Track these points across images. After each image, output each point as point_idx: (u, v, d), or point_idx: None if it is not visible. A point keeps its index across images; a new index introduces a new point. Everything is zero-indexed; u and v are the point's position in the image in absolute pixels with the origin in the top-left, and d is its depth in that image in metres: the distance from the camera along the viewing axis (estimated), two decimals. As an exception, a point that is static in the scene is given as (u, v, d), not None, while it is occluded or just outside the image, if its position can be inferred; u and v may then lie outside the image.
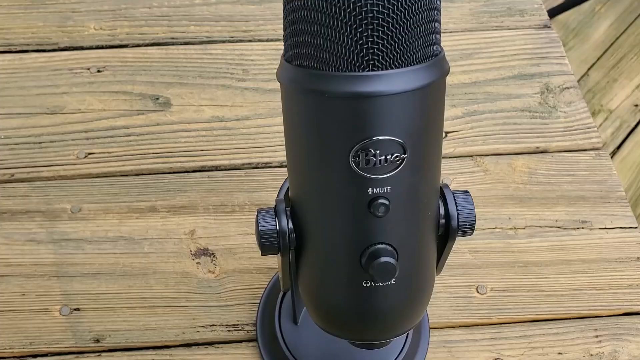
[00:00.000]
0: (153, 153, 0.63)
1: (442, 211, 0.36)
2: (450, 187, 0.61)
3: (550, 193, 0.62)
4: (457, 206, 0.36)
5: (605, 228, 0.60)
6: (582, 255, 0.59)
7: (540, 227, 0.60)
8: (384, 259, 0.33)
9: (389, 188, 0.32)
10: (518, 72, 0.70)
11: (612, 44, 1.58)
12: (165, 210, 0.60)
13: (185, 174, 0.62)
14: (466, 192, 0.37)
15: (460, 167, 0.64)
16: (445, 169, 0.63)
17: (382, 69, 0.29)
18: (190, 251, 0.58)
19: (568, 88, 0.69)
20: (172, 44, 0.71)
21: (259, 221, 0.35)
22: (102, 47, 0.71)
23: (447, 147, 0.65)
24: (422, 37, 0.30)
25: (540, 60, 0.71)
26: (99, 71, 0.69)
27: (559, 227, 0.60)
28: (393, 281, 0.34)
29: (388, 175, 0.31)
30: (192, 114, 0.66)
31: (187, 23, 0.73)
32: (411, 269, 0.35)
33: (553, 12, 1.62)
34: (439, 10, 0.31)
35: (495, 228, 0.60)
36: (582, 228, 0.60)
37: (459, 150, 0.65)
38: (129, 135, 0.64)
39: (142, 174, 0.62)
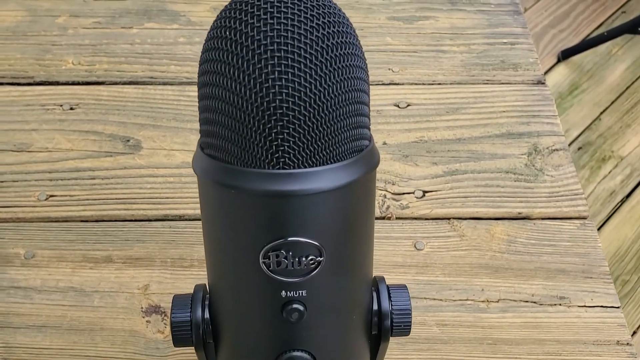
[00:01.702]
0: (116, 198, 0.61)
1: (375, 307, 0.33)
2: (424, 251, 0.59)
3: (529, 264, 0.58)
4: (391, 303, 0.33)
5: (585, 306, 0.56)
6: (558, 335, 0.55)
7: (515, 301, 0.56)
8: None
9: (304, 292, 0.29)
10: (506, 130, 0.67)
11: (627, 88, 1.54)
12: (121, 261, 0.57)
13: (147, 222, 0.60)
14: (403, 286, 0.34)
15: (436, 230, 0.60)
16: (420, 232, 0.60)
17: (294, 167, 0.27)
18: (142, 308, 0.55)
19: (557, 150, 0.65)
20: (150, 83, 0.70)
21: (172, 310, 0.33)
22: (77, 84, 0.69)
23: (424, 207, 0.61)
24: (343, 132, 0.27)
25: (530, 119, 0.68)
26: (71, 108, 0.67)
27: (534, 302, 0.56)
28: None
29: (303, 279, 0.29)
30: (162, 159, 0.64)
31: (168, 62, 0.72)
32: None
33: (568, 53, 1.59)
34: (367, 104, 0.29)
35: (467, 300, 0.56)
36: (560, 305, 0.56)
37: (436, 211, 0.61)
38: (94, 179, 0.62)
39: (102, 221, 0.60)
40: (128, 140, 0.65)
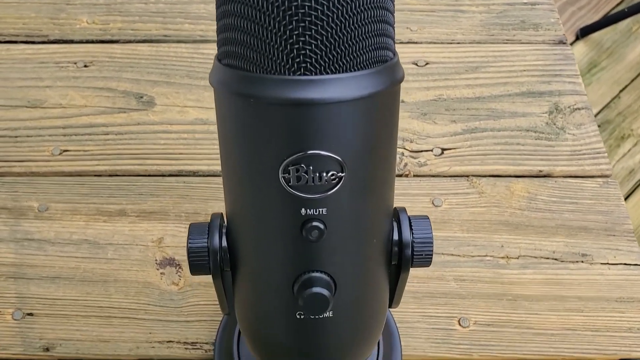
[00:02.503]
0: (129, 154, 0.60)
1: (395, 237, 0.32)
2: (442, 207, 0.57)
3: (550, 221, 0.57)
4: (412, 233, 0.32)
5: (608, 263, 0.55)
6: (579, 292, 0.53)
7: (535, 257, 0.55)
8: (315, 290, 0.29)
9: (324, 210, 0.28)
10: (527, 89, 0.65)
11: (647, 66, 1.51)
12: (135, 214, 0.57)
13: (161, 177, 0.59)
14: (425, 217, 0.33)
15: (454, 187, 0.59)
16: (438, 189, 0.59)
17: (316, 74, 0.26)
18: (156, 260, 0.54)
19: (579, 109, 0.64)
20: (164, 41, 0.69)
21: (190, 237, 0.32)
22: (91, 42, 0.68)
23: (442, 165, 0.60)
24: (367, 39, 0.26)
25: (551, 78, 0.66)
26: (85, 66, 0.66)
27: (555, 259, 0.55)
28: (330, 314, 0.30)
29: (323, 195, 0.27)
30: (175, 115, 0.63)
31: (182, 20, 0.71)
32: (353, 302, 0.31)
33: (587, 31, 1.56)
34: (391, 12, 0.27)
35: (486, 256, 0.55)
36: (582, 262, 0.55)
37: (454, 169, 0.60)
38: (107, 134, 0.62)
39: (116, 175, 0.59)
40: (142, 97, 0.64)
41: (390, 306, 0.37)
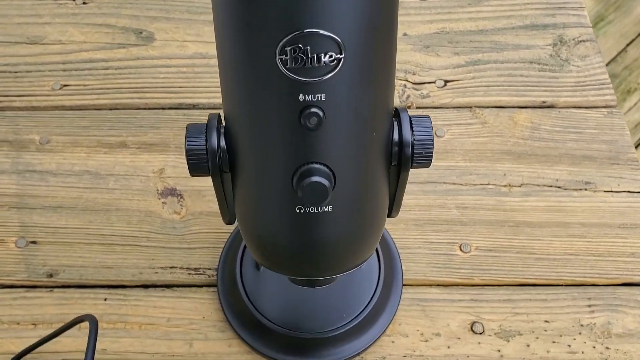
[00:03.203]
0: (129, 88, 0.60)
1: (395, 137, 0.32)
2: (444, 137, 0.57)
3: (553, 150, 0.57)
4: (413, 132, 0.32)
5: (611, 191, 0.55)
6: (582, 219, 0.53)
7: (538, 185, 0.55)
8: (314, 179, 0.28)
9: (323, 96, 0.27)
10: (530, 21, 0.64)
11: (655, 19, 1.48)
12: (136, 146, 0.57)
13: (161, 110, 0.59)
14: (426, 116, 0.32)
15: (457, 117, 0.58)
16: (441, 120, 0.58)
17: None
18: (157, 190, 0.54)
19: (584, 41, 0.63)
20: (163, -22, 0.68)
21: (187, 137, 0.31)
22: (90, -21, 0.68)
23: (445, 96, 0.60)
24: None
25: (555, 11, 0.65)
26: (84, 3, 0.66)
27: (558, 187, 0.55)
28: (330, 208, 0.30)
29: (321, 79, 0.27)
30: (174, 50, 0.62)
31: (181, -42, 0.69)
32: (352, 197, 0.31)
33: (594, -17, 1.53)
34: None
35: (488, 184, 0.55)
36: (585, 190, 0.55)
37: (457, 100, 0.60)
38: (107, 69, 0.61)
39: (116, 109, 0.59)
40: (141, 33, 0.63)
41: (390, 214, 0.37)
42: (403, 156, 0.32)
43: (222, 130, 0.32)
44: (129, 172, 0.55)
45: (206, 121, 0.32)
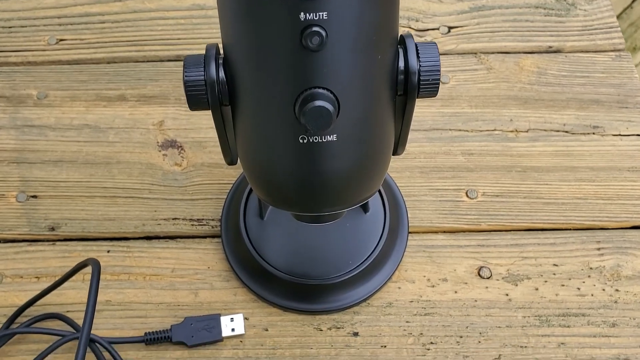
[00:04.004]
0: (127, 41, 0.59)
1: (401, 65, 0.31)
2: (449, 84, 0.56)
3: (560, 95, 0.56)
4: (419, 58, 0.31)
5: (620, 135, 0.54)
6: (591, 163, 0.52)
7: (545, 130, 0.54)
8: (317, 103, 0.27)
9: (325, 14, 0.26)
10: (536, -34, 0.63)
11: (662, -26, 1.45)
12: (135, 99, 0.56)
13: (159, 62, 0.58)
14: (432, 43, 0.31)
15: (462, 64, 0.57)
16: (445, 66, 0.57)
17: None
18: (158, 142, 0.54)
19: (592, -16, 0.61)
20: None
21: (185, 69, 0.30)
22: None
23: (449, 43, 0.58)
24: None
25: (562, -46, 0.63)
26: (78, -44, 0.64)
27: (566, 132, 0.54)
28: (334, 137, 0.29)
29: None
30: (171, 2, 0.61)
31: None
32: (357, 126, 0.30)
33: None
34: None
35: (494, 130, 0.54)
36: (593, 134, 0.54)
37: (462, 47, 0.58)
38: (104, 22, 0.60)
39: (114, 62, 0.58)
40: (137, -14, 0.62)
41: (395, 151, 0.36)
42: (409, 84, 0.31)
43: (220, 62, 0.31)
44: (128, 125, 0.54)
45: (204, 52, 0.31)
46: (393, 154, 0.36)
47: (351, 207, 0.33)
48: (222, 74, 0.31)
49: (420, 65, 0.31)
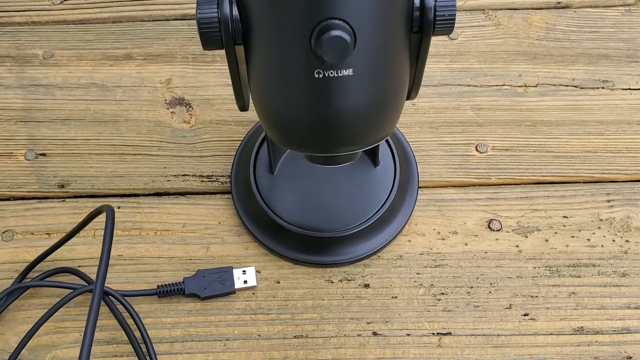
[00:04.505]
0: (132, 0, 0.58)
1: (417, 1, 0.31)
2: (457, 40, 0.55)
3: (569, 50, 0.55)
4: (435, -5, 0.30)
5: (629, 89, 0.53)
6: (600, 116, 0.52)
7: (554, 85, 0.54)
8: (334, 33, 0.27)
9: None
10: None
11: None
12: (142, 58, 0.55)
13: (165, 21, 0.57)
14: (447, -22, 0.31)
15: (470, 20, 0.57)
16: (452, 24, 0.57)
17: None
18: (165, 100, 0.53)
19: (600, -60, 0.61)
20: None
21: (198, 7, 0.30)
22: None
23: None
24: None
25: None
26: None
27: (575, 87, 0.54)
28: (350, 72, 0.29)
29: None
30: (176, -38, 0.60)
31: None
32: (373, 61, 0.30)
33: None
34: None
35: (503, 85, 0.54)
36: (603, 88, 0.54)
37: (470, 3, 0.58)
38: (108, -18, 0.59)
39: (120, 22, 0.57)
40: (141, -55, 0.61)
41: (409, 95, 0.36)
42: (425, 21, 0.30)
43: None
44: (136, 84, 0.54)
45: None
46: (407, 99, 0.36)
47: (366, 148, 0.33)
48: (235, 11, 0.30)
49: (436, 1, 0.30)
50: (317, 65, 0.29)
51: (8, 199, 0.49)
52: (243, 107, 0.36)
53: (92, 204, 0.49)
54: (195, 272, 0.46)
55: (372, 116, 0.31)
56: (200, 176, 0.50)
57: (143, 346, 0.43)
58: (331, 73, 0.29)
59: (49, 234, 0.48)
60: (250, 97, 0.36)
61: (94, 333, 0.33)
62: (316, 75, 0.29)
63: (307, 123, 0.31)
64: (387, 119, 0.33)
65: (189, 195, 0.49)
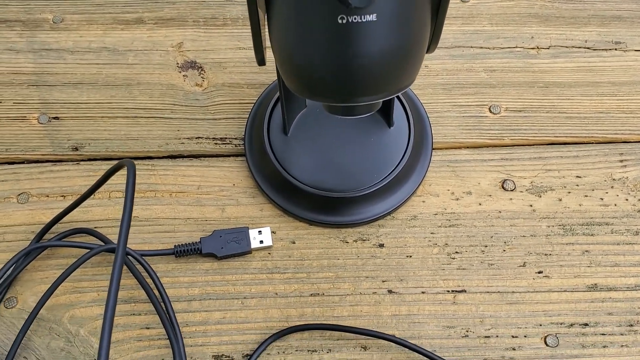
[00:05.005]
0: (141, -36, 0.58)
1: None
2: (469, 3, 0.55)
3: (581, 12, 0.55)
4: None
5: (642, 50, 0.53)
6: (612, 78, 0.52)
7: (567, 47, 0.54)
8: None
9: None
10: None
11: None
12: (152, 22, 0.55)
13: (176, -15, 0.57)
14: None
15: (481, -17, 0.57)
16: (464, -14, 0.56)
17: None
18: (177, 63, 0.53)
19: None
20: None
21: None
22: None
23: (468, -37, 0.57)
24: None
25: None
26: None
27: (588, 48, 0.54)
28: (374, 17, 0.29)
29: None
30: None
31: None
32: (396, 6, 0.30)
33: None
34: None
35: (516, 47, 0.54)
36: (615, 49, 0.53)
37: (481, -34, 0.57)
38: (117, -54, 0.59)
39: (129, -14, 0.57)
40: None
41: (428, 49, 0.36)
42: None
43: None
44: (147, 47, 0.54)
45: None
46: (426, 52, 0.36)
47: (386, 97, 0.33)
48: None
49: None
50: (341, 10, 0.29)
51: (22, 162, 0.50)
52: (262, 61, 0.36)
53: (106, 166, 0.49)
54: (211, 233, 0.46)
55: (394, 64, 0.31)
56: (214, 138, 0.50)
57: (162, 305, 0.44)
58: (355, 18, 0.29)
59: (64, 196, 0.48)
60: (270, 50, 0.36)
61: (118, 290, 0.33)
62: (339, 21, 0.29)
63: (329, 70, 0.31)
64: (408, 68, 0.33)
65: (202, 158, 0.50)
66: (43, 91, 0.52)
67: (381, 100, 0.34)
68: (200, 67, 0.53)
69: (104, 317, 0.29)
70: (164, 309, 0.43)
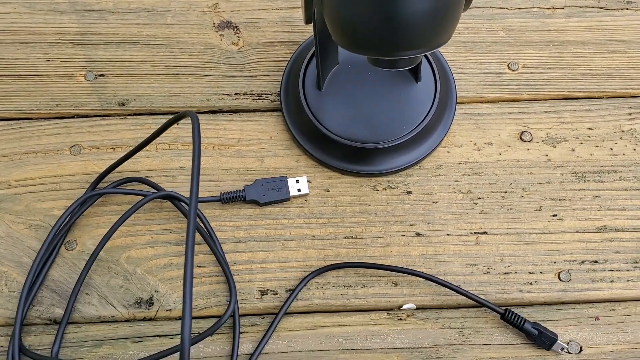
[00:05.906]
0: None
1: None
2: (487, -35, 0.58)
3: (595, -27, 0.58)
4: None
5: (651, 10, 0.57)
6: (623, 36, 0.56)
7: (580, 7, 0.57)
8: None
9: None
10: None
11: None
12: (188, -17, 0.58)
13: (208, -52, 0.60)
14: None
15: (500, -55, 0.59)
16: (483, -52, 0.59)
17: None
18: (214, 23, 0.56)
19: None
20: None
21: None
22: None
23: None
24: None
25: None
26: None
27: (600, 8, 0.57)
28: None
29: None
30: None
31: None
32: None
33: None
34: None
35: (532, 7, 0.57)
36: (627, 9, 0.57)
37: None
38: None
39: (164, -52, 0.60)
40: None
41: (465, 7, 0.39)
42: None
43: None
44: (184, 8, 0.57)
45: None
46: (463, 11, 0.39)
47: (427, 52, 0.37)
48: None
49: None
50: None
51: (72, 117, 0.53)
52: (309, 20, 0.39)
53: (152, 121, 0.53)
54: (253, 181, 0.50)
55: (435, 21, 0.35)
56: (251, 94, 0.54)
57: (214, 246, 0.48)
58: None
59: (114, 148, 0.52)
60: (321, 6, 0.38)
61: (194, 236, 0.35)
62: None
63: (375, 25, 0.35)
64: (446, 25, 0.36)
65: (241, 113, 0.53)
66: (88, 50, 0.55)
67: (422, 55, 0.37)
68: (236, 26, 0.56)
69: (185, 259, 0.32)
70: (218, 249, 0.47)
